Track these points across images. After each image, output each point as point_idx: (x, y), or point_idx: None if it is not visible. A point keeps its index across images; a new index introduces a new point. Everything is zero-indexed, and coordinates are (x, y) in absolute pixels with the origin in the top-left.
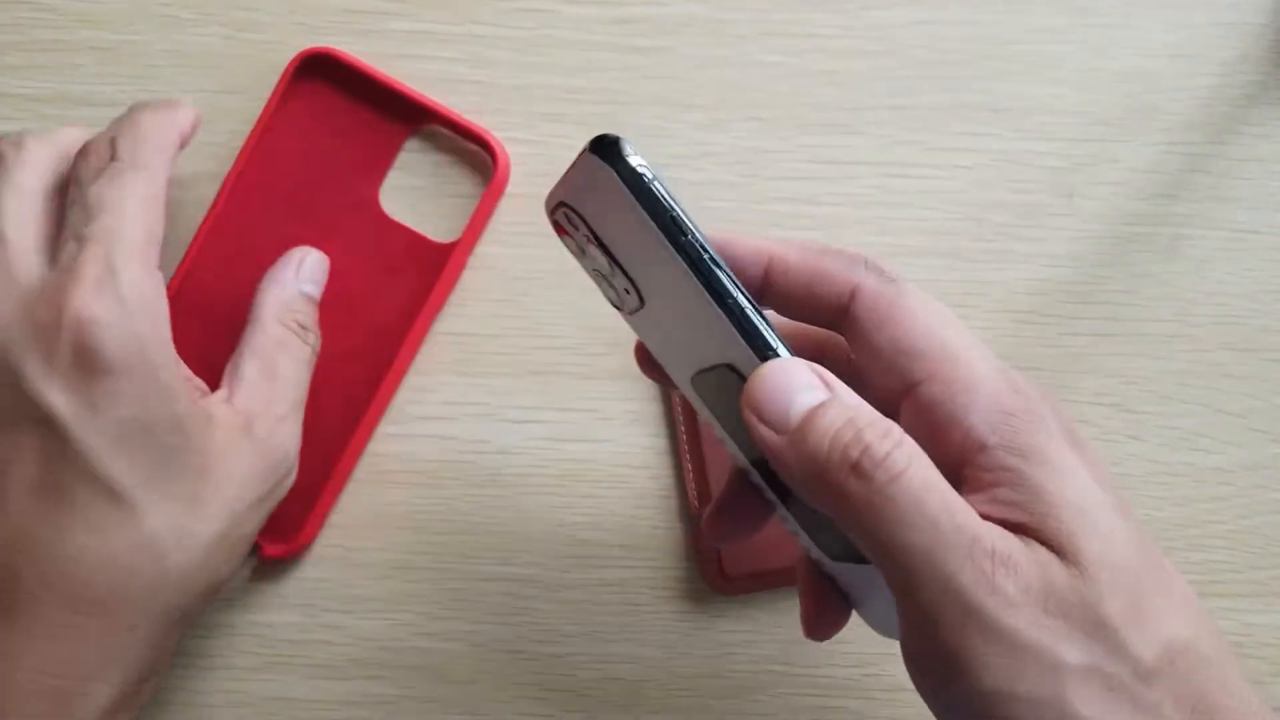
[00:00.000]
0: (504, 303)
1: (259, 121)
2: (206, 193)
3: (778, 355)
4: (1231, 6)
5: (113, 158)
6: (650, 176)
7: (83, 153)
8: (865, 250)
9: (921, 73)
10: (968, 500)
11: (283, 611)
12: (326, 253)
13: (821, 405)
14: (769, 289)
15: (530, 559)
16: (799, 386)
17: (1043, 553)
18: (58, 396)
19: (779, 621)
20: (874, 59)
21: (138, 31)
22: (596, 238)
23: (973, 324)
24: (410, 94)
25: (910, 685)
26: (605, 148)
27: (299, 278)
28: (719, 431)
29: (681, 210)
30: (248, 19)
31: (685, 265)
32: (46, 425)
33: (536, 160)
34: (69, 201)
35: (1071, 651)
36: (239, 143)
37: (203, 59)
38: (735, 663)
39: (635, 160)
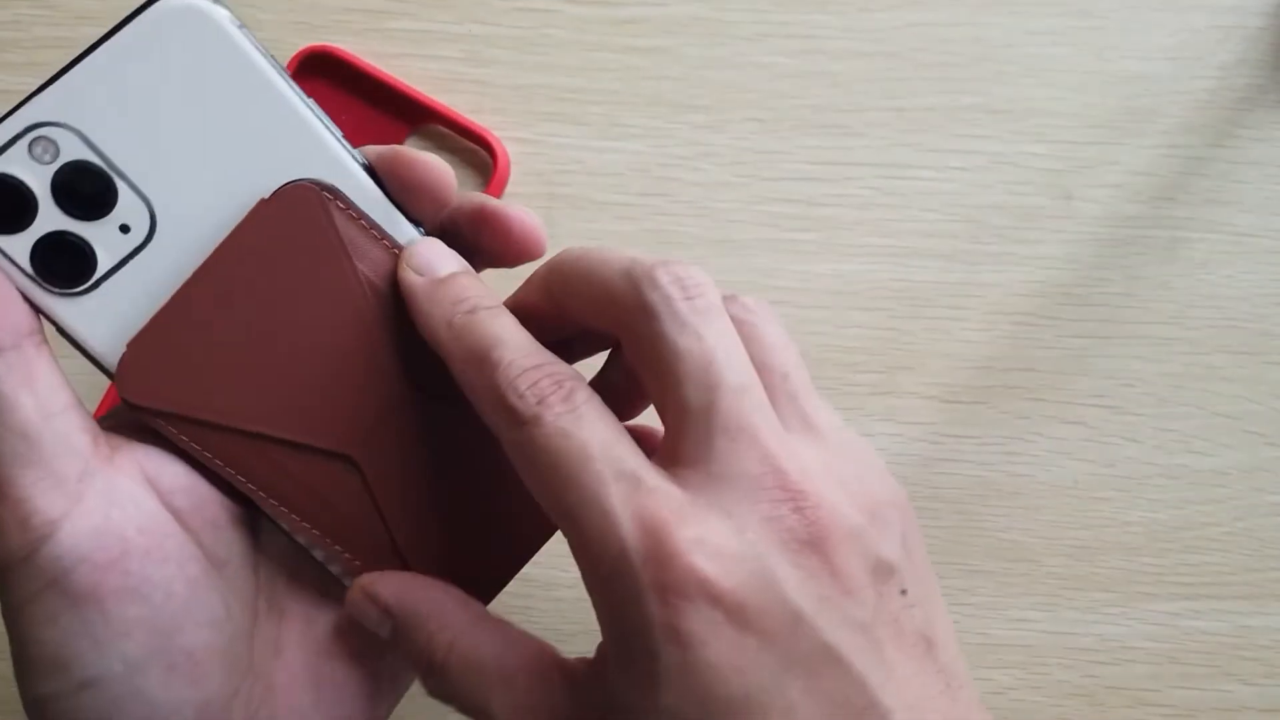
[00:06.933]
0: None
1: None
2: None
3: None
4: (1230, 10)
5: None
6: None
7: None
8: (863, 250)
9: (921, 74)
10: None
11: None
12: None
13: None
14: None
15: None
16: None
17: None
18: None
19: None
20: (873, 60)
21: None
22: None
23: (970, 325)
24: (410, 93)
25: None
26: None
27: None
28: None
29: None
30: (247, 16)
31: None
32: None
33: (536, 159)
34: None
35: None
36: None
37: None
38: None
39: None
